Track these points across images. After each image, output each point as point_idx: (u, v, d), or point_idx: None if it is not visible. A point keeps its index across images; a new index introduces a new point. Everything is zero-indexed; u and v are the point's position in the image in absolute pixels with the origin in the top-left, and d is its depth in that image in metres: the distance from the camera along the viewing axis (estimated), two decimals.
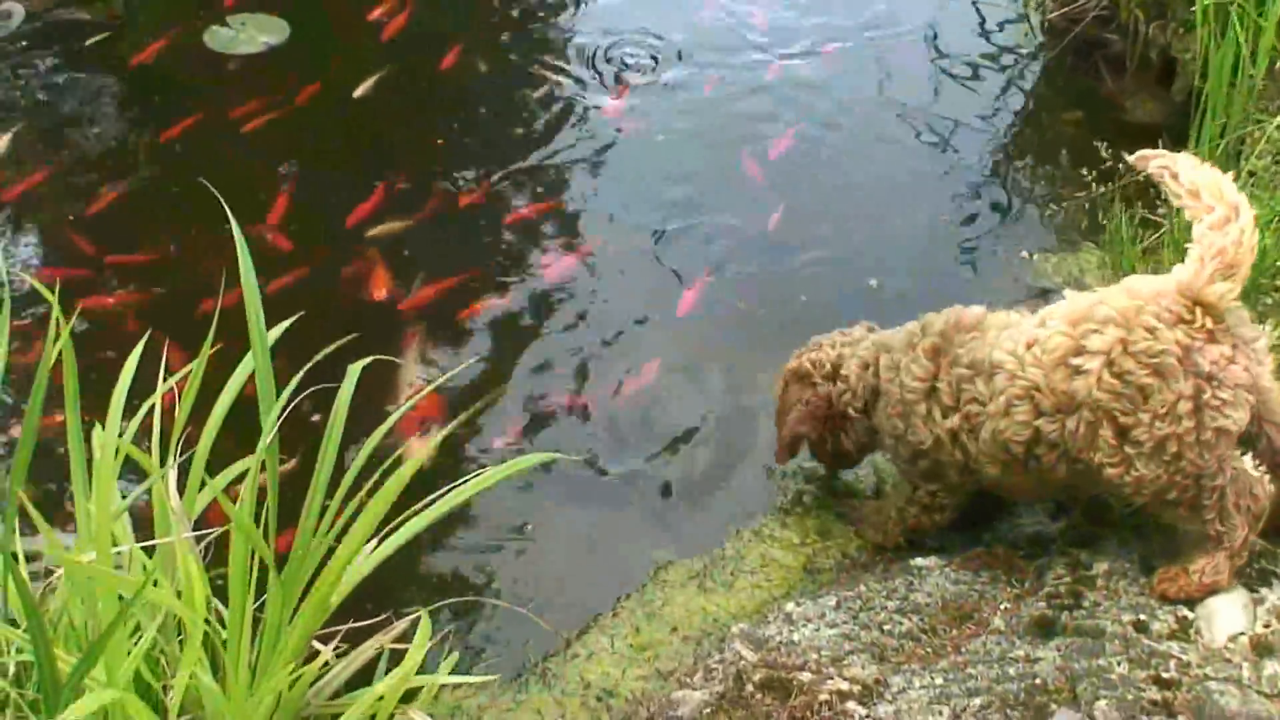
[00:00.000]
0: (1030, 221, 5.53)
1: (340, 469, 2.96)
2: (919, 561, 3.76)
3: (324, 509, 2.92)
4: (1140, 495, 3.22)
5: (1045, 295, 4.96)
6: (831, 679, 3.27)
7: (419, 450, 4.28)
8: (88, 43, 6.42)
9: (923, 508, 3.82)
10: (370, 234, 5.32)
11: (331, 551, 2.91)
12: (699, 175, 5.80)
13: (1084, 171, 5.09)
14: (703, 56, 6.52)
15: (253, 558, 2.83)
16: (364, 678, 3.07)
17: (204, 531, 3.00)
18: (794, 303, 5.10)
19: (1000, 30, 6.82)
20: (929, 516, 3.84)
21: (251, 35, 6.47)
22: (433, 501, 3.01)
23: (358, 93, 6.08)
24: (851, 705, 3.17)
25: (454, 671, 3.15)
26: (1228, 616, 3.22)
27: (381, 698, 2.84)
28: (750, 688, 3.30)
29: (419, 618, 3.04)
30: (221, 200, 3.14)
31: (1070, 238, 5.38)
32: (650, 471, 4.41)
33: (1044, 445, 3.30)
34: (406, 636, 3.09)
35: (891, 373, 3.69)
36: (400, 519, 2.99)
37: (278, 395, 2.90)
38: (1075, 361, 3.15)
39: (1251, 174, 4.59)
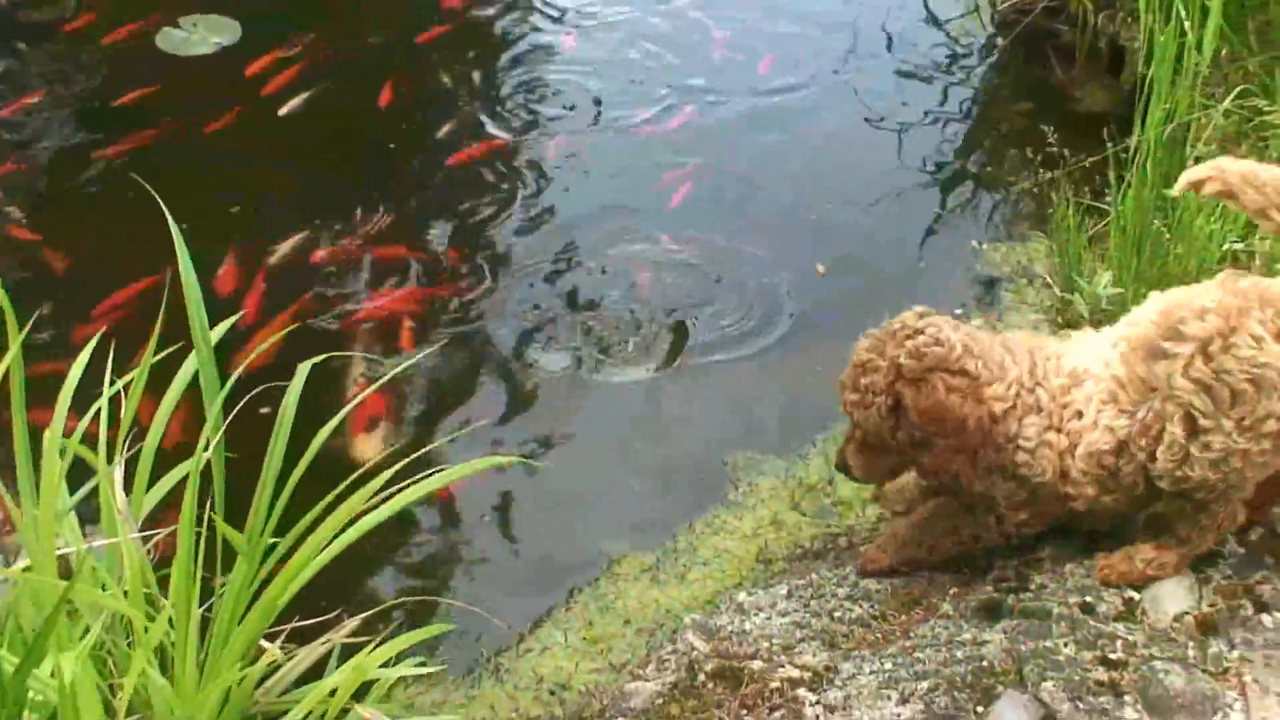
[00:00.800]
0: (980, 212, 5.57)
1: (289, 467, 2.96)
2: (868, 548, 3.78)
3: (271, 508, 2.92)
4: (1167, 487, 3.09)
5: (992, 284, 5.01)
6: (783, 667, 3.30)
7: (365, 447, 4.30)
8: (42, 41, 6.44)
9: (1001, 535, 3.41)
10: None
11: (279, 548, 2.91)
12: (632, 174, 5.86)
13: (1032, 162, 5.12)
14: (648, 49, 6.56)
15: (199, 557, 2.83)
16: (315, 675, 3.06)
17: (150, 532, 3.00)
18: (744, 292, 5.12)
19: (952, 24, 6.86)
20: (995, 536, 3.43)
21: (204, 36, 6.45)
22: (389, 497, 3.01)
23: (282, 111, 6.03)
24: (802, 692, 3.20)
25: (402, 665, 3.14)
26: (1173, 597, 3.24)
27: (333, 693, 2.83)
28: (702, 677, 3.32)
29: (370, 614, 3.05)
30: (161, 202, 3.14)
31: (1019, 228, 5.42)
32: (599, 463, 4.43)
33: (1125, 455, 3.05)
34: (358, 633, 3.10)
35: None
36: (350, 520, 2.98)
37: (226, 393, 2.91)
38: (1164, 345, 2.93)
39: (1198, 160, 4.64)
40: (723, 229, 5.46)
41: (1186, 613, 3.21)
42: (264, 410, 3.23)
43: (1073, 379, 3.07)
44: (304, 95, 6.11)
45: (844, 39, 6.72)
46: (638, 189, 5.72)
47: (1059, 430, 3.07)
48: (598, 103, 6.23)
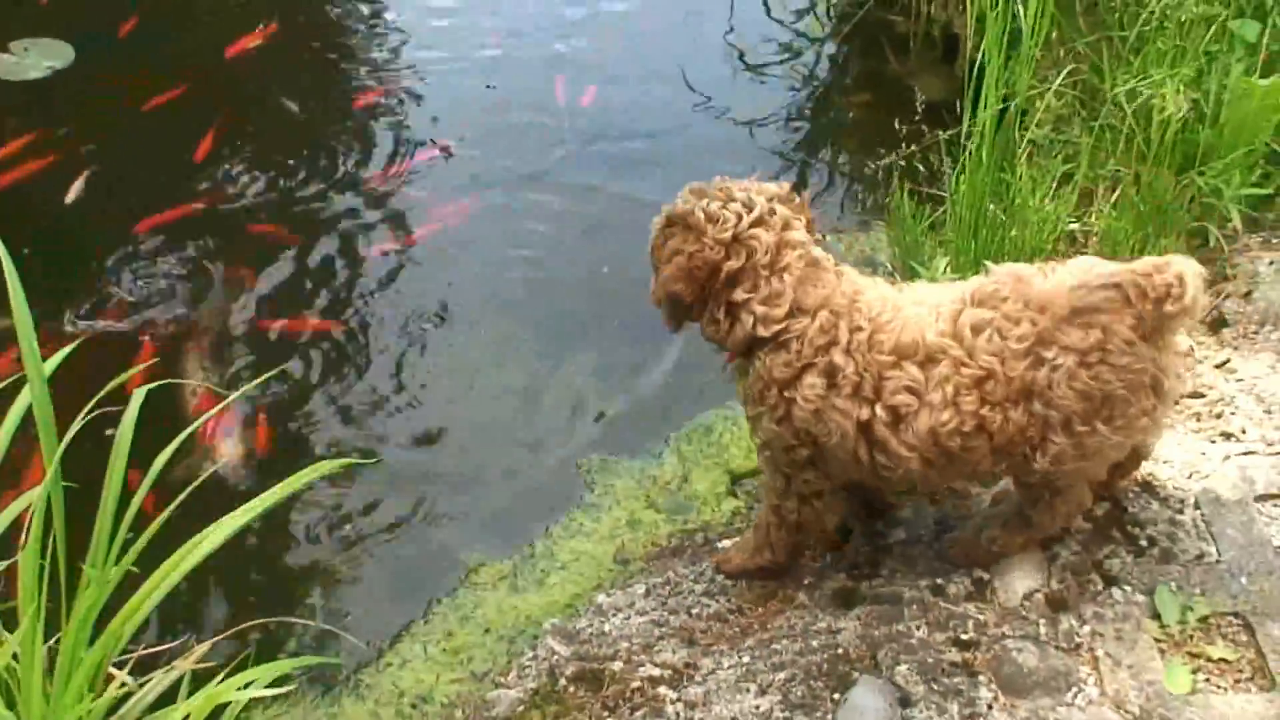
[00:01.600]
0: (824, 204, 5.62)
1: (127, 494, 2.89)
2: (726, 544, 3.80)
3: (113, 534, 2.85)
4: (1030, 480, 3.13)
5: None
6: (643, 666, 3.31)
7: (222, 448, 4.28)
8: None
9: (801, 499, 3.33)
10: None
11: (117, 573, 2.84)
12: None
13: (874, 153, 5.19)
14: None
15: (45, 587, 2.76)
16: (167, 702, 2.99)
17: None
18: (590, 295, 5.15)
19: (790, 20, 6.92)
20: (810, 509, 3.35)
21: (36, 60, 6.28)
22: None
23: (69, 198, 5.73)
24: (663, 690, 3.21)
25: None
26: (1023, 576, 3.31)
27: (187, 718, 2.78)
28: (563, 681, 3.32)
29: (221, 638, 3.00)
30: None
31: (861, 218, 5.50)
32: (454, 471, 4.40)
33: (983, 436, 2.99)
34: (212, 658, 3.04)
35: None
36: (192, 541, 2.92)
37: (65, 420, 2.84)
38: (1046, 354, 2.88)
39: (1033, 142, 4.74)
40: (570, 231, 5.49)
41: (1037, 590, 3.27)
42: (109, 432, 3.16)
43: (903, 354, 2.98)
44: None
45: (683, 39, 6.74)
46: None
47: (871, 402, 2.99)
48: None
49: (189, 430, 3.08)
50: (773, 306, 3.02)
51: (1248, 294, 4.35)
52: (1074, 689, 3.00)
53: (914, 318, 3.00)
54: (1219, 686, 3.02)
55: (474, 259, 5.32)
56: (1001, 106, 4.46)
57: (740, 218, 3.04)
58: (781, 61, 6.62)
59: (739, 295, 3.05)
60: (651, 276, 3.24)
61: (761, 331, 3.04)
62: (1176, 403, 3.87)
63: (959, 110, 4.58)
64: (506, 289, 5.16)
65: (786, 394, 3.04)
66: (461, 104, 6.25)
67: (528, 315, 5.04)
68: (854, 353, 2.98)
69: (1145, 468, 3.55)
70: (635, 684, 3.23)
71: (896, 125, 4.98)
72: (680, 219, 3.11)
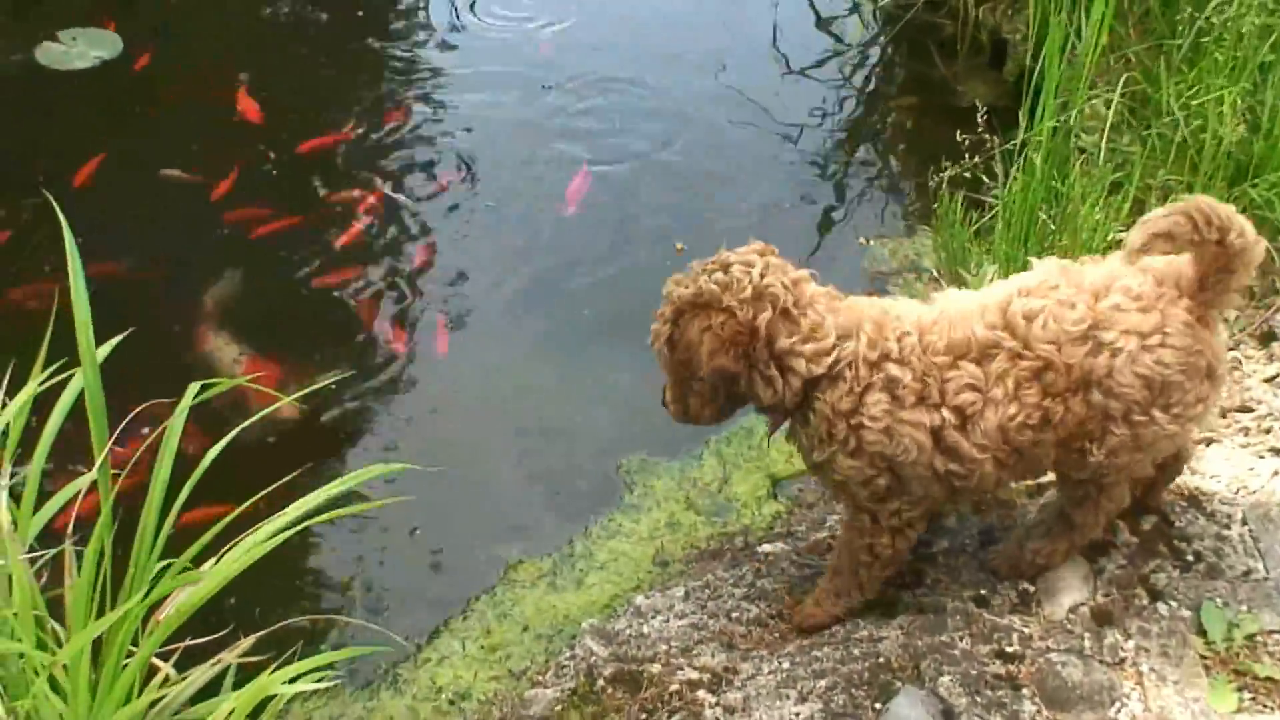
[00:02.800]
0: (868, 208, 5.61)
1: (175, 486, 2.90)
2: (766, 548, 3.80)
3: (159, 529, 2.87)
4: (1083, 474, 3.07)
5: (881, 280, 5.05)
6: (681, 669, 3.30)
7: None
8: None
9: (894, 532, 3.19)
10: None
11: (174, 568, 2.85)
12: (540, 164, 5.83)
13: (919, 157, 5.17)
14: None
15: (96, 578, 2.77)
16: (208, 695, 3.00)
17: (37, 554, 2.93)
18: (628, 293, 5.12)
19: (835, 22, 6.90)
20: (904, 539, 3.22)
21: (83, 50, 6.31)
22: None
23: None
24: (701, 694, 3.20)
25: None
26: (1068, 588, 3.29)
27: (232, 712, 2.78)
28: (601, 682, 3.32)
29: (264, 634, 3.01)
30: (61, 216, 3.06)
31: (906, 222, 5.47)
32: (495, 470, 4.40)
33: (1049, 429, 2.93)
34: (253, 653, 3.05)
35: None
36: (244, 535, 2.93)
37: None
38: (1105, 337, 2.82)
39: (1081, 150, 4.71)
40: (609, 228, 5.48)
41: (1082, 604, 3.25)
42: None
43: (957, 352, 2.91)
44: None
45: (729, 40, 6.73)
46: (534, 199, 5.72)
47: (937, 406, 2.92)
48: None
49: (241, 426, 3.10)
50: (819, 340, 2.94)
51: None
52: (1117, 704, 2.98)
53: (957, 315, 2.95)
54: (1265, 706, 2.99)
55: (514, 257, 5.32)
56: (1065, 116, 4.46)
57: (748, 273, 2.95)
58: (826, 64, 6.59)
59: (783, 344, 2.94)
60: (666, 388, 3.22)
61: (815, 369, 2.94)
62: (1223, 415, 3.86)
63: (997, 116, 4.58)
64: (548, 287, 5.16)
65: (853, 421, 2.95)
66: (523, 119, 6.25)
67: (569, 315, 5.04)
68: (909, 360, 2.91)
69: (1192, 482, 3.53)
70: (674, 687, 3.22)
71: (947, 131, 4.93)
72: (692, 302, 2.97)
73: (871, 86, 6.52)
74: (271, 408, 3.16)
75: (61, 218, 3.00)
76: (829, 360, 2.94)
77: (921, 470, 2.98)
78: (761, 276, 2.94)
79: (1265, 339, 4.20)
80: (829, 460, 3.04)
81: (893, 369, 2.92)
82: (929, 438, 2.93)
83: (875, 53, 6.72)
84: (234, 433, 3.02)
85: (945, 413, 2.90)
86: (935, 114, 6.00)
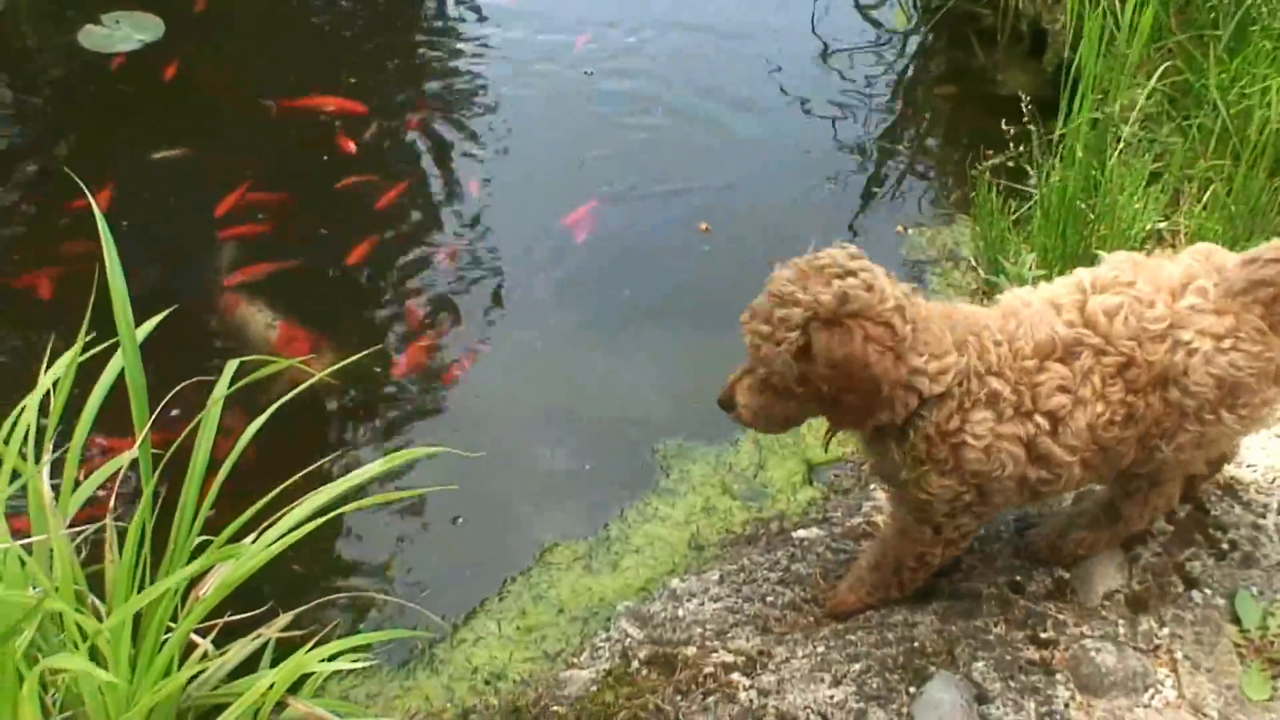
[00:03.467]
0: (906, 196, 5.61)
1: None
2: (801, 534, 3.80)
3: (198, 506, 2.90)
4: (1148, 467, 3.02)
5: (919, 268, 5.05)
6: (716, 652, 3.31)
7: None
8: None
9: (948, 543, 3.14)
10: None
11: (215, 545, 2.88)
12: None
13: (958, 146, 5.16)
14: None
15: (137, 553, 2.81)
16: (244, 671, 3.04)
17: (78, 529, 2.97)
18: (665, 278, 5.17)
19: (875, 10, 6.90)
20: (954, 548, 3.19)
21: (127, 33, 6.36)
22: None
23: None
24: (736, 676, 3.21)
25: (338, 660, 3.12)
26: (1103, 575, 3.29)
27: (271, 686, 2.81)
28: (636, 664, 3.33)
29: (301, 610, 3.04)
30: (91, 197, 3.10)
31: (945, 211, 5.46)
32: (530, 453, 4.42)
33: (1132, 426, 2.86)
34: (290, 629, 3.08)
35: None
36: (282, 512, 2.96)
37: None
38: (1183, 337, 2.78)
39: (1121, 140, 4.69)
40: (642, 211, 5.50)
41: (1117, 591, 3.25)
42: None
43: (1044, 354, 2.81)
44: None
45: (769, 24, 6.73)
46: (568, 158, 5.76)
47: (1030, 414, 2.81)
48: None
49: (277, 404, 3.12)
50: (941, 358, 2.76)
51: None
52: (1151, 690, 2.99)
53: (1034, 316, 2.85)
54: None
55: (552, 240, 5.34)
56: (1107, 108, 4.45)
57: (879, 280, 2.71)
58: (865, 51, 6.59)
59: (914, 361, 2.74)
60: (738, 391, 2.96)
61: (935, 388, 2.77)
62: None
63: (1037, 106, 4.56)
64: (585, 270, 5.18)
65: (954, 441, 2.82)
66: (559, 96, 6.27)
67: (606, 298, 5.06)
68: (1004, 371, 2.80)
69: (1228, 471, 3.52)
70: (708, 669, 3.23)
71: (986, 120, 4.93)
72: (836, 310, 2.67)
73: (911, 74, 6.52)
74: (307, 383, 3.16)
75: (93, 201, 3.04)
76: (948, 379, 2.77)
77: (1009, 483, 2.89)
78: (890, 285, 2.73)
79: None
80: (916, 480, 2.90)
81: (993, 382, 2.80)
82: (1023, 449, 2.83)
83: (915, 41, 6.72)
84: (272, 408, 3.05)
85: (1039, 419, 2.81)
86: (974, 103, 5.99)
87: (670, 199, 5.57)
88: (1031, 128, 4.57)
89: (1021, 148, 4.65)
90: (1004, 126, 4.57)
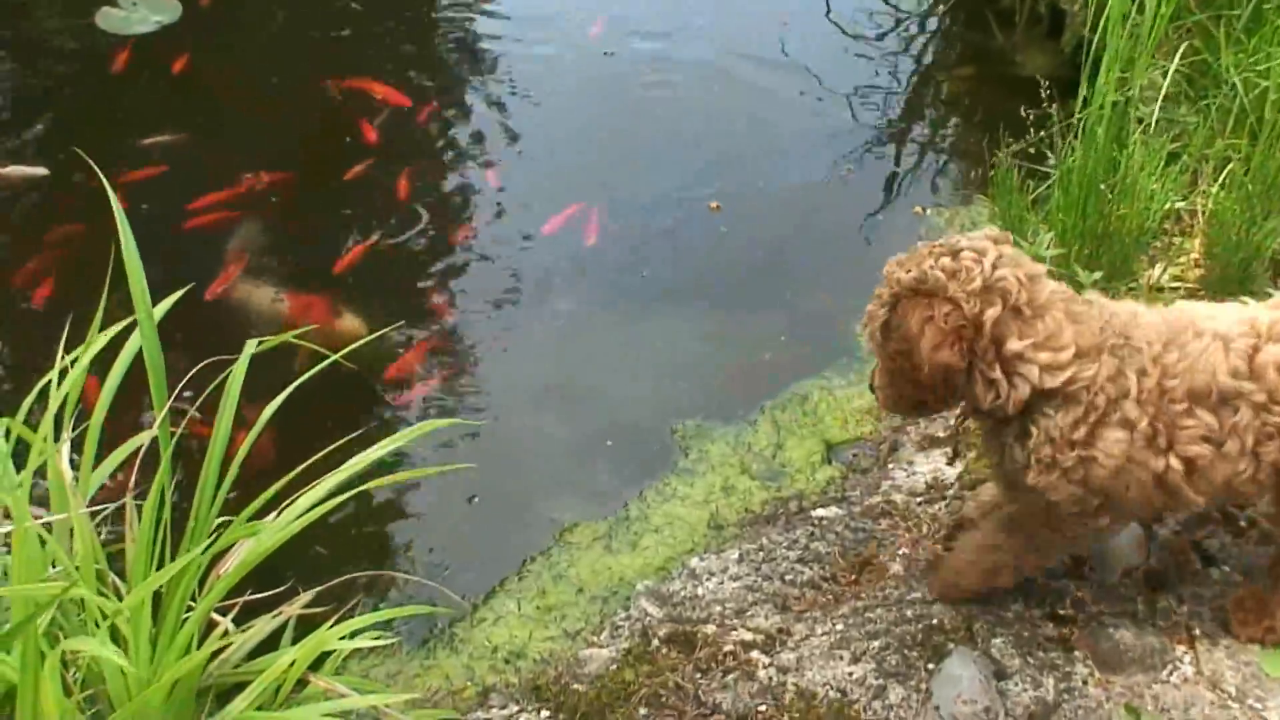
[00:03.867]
0: (925, 176, 5.61)
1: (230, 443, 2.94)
2: (820, 513, 3.81)
3: (219, 484, 2.91)
4: None
5: None
6: (735, 630, 3.32)
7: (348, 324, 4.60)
8: None
9: (1069, 540, 3.05)
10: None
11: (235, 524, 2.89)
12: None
13: (976, 127, 5.16)
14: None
15: (155, 531, 2.82)
16: (265, 649, 3.05)
17: (98, 507, 2.99)
18: (683, 258, 5.18)
19: None
20: (1071, 545, 3.17)
21: (144, 15, 6.37)
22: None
23: None
24: (755, 654, 3.22)
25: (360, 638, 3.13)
26: (1121, 553, 3.29)
27: (293, 663, 2.82)
28: (656, 642, 3.34)
29: (322, 588, 3.05)
30: (104, 178, 3.11)
31: (963, 191, 5.46)
32: (549, 432, 4.43)
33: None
34: (310, 607, 3.09)
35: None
36: (304, 489, 2.97)
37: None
38: None
39: (1140, 120, 4.68)
40: (661, 191, 5.51)
41: (1135, 568, 3.25)
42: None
43: (1197, 400, 2.66)
44: None
45: (786, 6, 6.72)
46: (588, 144, 5.78)
47: (1165, 452, 2.68)
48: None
49: (293, 386, 3.12)
50: (1056, 351, 2.65)
51: None
52: (1169, 666, 2.99)
53: (1200, 354, 2.69)
54: None
55: (570, 219, 5.35)
56: (1128, 88, 4.43)
57: (979, 263, 2.65)
58: (883, 35, 6.58)
59: (1014, 345, 2.65)
60: (874, 373, 2.96)
61: (1048, 382, 2.66)
62: None
63: (1056, 86, 4.55)
64: (603, 251, 5.19)
65: (1084, 454, 2.70)
66: (575, 76, 6.28)
67: (624, 279, 5.07)
68: (1145, 403, 2.68)
69: None
70: (728, 647, 3.24)
71: (1005, 102, 4.91)
72: (915, 287, 2.67)
73: (929, 56, 6.50)
74: (325, 362, 3.17)
75: (105, 181, 3.05)
76: (1064, 376, 2.66)
77: (1138, 499, 2.79)
78: (994, 268, 2.64)
79: None
80: (1047, 485, 2.78)
81: (1130, 409, 2.67)
82: (1152, 479, 2.73)
83: (933, 22, 6.70)
84: (291, 387, 3.05)
85: (1173, 460, 2.70)
86: (993, 84, 5.97)
87: (687, 179, 5.57)
88: (1052, 110, 4.55)
89: (1040, 131, 4.63)
90: (1023, 111, 4.55)
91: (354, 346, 3.40)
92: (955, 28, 6.66)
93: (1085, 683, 2.97)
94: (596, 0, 6.76)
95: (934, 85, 6.29)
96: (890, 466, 4.02)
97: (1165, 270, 4.46)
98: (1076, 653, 3.04)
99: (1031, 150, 4.73)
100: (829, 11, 6.70)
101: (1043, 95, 4.49)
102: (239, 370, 3.05)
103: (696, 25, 6.60)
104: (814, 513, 3.83)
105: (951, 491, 3.73)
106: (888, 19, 6.69)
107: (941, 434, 4.05)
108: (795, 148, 5.77)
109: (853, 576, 3.49)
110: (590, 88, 6.17)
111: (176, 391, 2.98)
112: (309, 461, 2.95)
